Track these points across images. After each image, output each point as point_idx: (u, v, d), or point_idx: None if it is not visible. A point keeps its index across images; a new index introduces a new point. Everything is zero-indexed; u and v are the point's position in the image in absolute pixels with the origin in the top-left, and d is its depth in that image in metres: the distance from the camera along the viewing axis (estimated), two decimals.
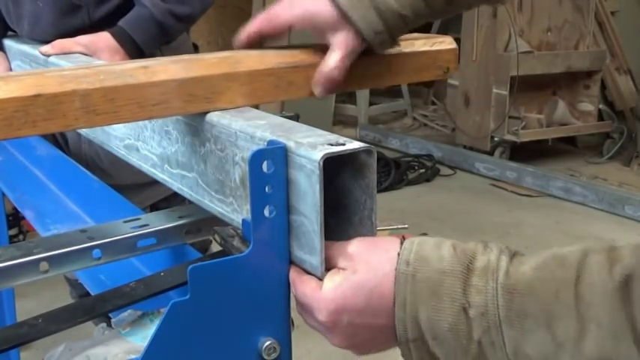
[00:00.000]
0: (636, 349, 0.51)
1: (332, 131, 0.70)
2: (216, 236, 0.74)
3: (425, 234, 0.66)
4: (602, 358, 0.52)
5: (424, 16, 0.82)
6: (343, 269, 0.63)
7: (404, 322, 0.60)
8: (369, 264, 0.62)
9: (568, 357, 0.54)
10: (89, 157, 1.63)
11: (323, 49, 0.83)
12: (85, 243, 0.83)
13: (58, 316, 0.77)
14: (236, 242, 0.71)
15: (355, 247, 0.64)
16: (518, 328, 0.55)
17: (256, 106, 0.83)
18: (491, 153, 4.33)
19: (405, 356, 0.62)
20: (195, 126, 0.80)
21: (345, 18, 0.79)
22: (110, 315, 0.85)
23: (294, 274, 0.67)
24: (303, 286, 0.66)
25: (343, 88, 0.85)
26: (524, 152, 4.32)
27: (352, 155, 0.65)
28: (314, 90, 0.82)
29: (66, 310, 0.79)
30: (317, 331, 0.66)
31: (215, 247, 1.02)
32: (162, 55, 1.50)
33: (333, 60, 0.80)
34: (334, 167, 0.66)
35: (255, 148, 0.67)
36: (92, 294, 0.92)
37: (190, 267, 0.64)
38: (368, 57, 0.85)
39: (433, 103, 5.80)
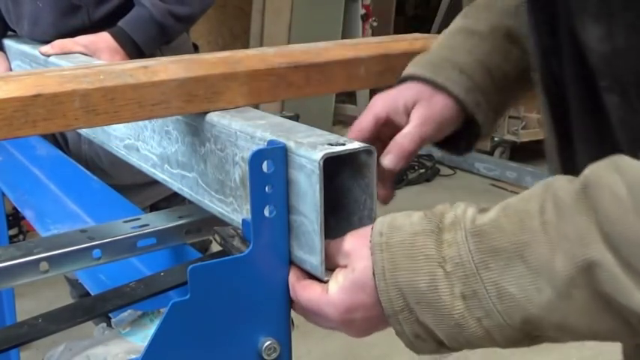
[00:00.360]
0: (606, 247, 0.50)
1: (332, 131, 0.70)
2: (216, 236, 0.74)
3: None
4: (577, 268, 0.51)
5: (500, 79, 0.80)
6: (344, 267, 0.64)
7: (387, 292, 0.60)
8: (365, 259, 0.62)
9: (545, 282, 0.53)
10: (89, 157, 1.63)
11: (323, 48, 0.83)
12: (85, 243, 0.84)
13: (58, 316, 0.77)
14: (236, 242, 0.71)
15: (350, 243, 0.64)
16: (494, 267, 0.55)
17: (256, 106, 0.83)
18: (491, 153, 4.33)
19: (399, 334, 0.61)
20: (196, 126, 0.80)
21: (432, 84, 0.77)
22: (110, 315, 0.85)
23: (293, 280, 0.67)
24: (307, 292, 0.66)
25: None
26: (524, 152, 4.32)
27: (352, 155, 0.65)
28: (382, 161, 0.75)
29: (66, 310, 0.79)
30: (332, 330, 0.66)
31: (215, 247, 1.02)
32: (162, 55, 1.50)
33: (407, 128, 0.77)
34: (334, 167, 0.66)
35: (255, 148, 0.67)
36: (92, 294, 0.92)
37: (190, 267, 0.64)
38: (369, 57, 0.85)
39: None
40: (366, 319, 0.63)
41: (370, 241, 0.61)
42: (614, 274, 0.50)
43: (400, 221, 0.61)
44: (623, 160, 0.52)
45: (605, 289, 0.51)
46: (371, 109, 0.78)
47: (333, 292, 0.63)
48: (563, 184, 0.55)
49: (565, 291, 0.52)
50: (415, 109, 0.77)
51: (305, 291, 0.66)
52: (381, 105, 0.77)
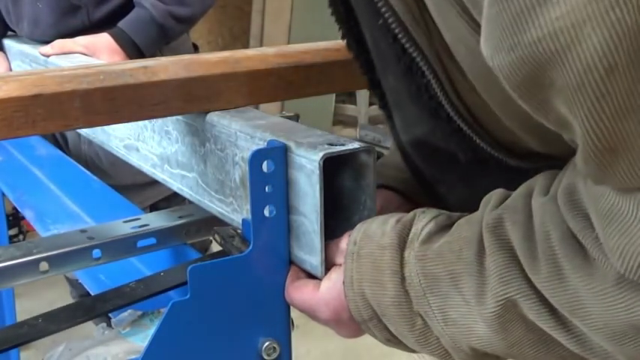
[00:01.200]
0: (526, 284, 0.50)
1: (332, 131, 0.70)
2: (217, 236, 0.74)
3: None
4: (501, 306, 0.51)
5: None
6: (339, 266, 0.64)
7: (355, 301, 0.60)
8: None
9: (478, 316, 0.53)
10: (89, 157, 1.63)
11: (323, 48, 0.83)
12: (85, 243, 0.84)
13: (57, 316, 0.77)
14: (236, 242, 0.71)
15: (346, 243, 0.64)
16: (437, 293, 0.55)
17: (256, 106, 0.83)
18: None
19: (372, 335, 0.62)
20: (195, 126, 0.80)
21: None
22: (110, 315, 0.85)
23: (287, 282, 0.67)
24: (300, 293, 0.66)
25: (343, 89, 0.84)
26: None
27: (352, 155, 0.65)
28: None
29: (66, 310, 0.79)
30: (332, 330, 0.67)
31: (215, 247, 1.02)
32: (162, 55, 1.50)
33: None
34: (334, 167, 0.66)
35: (255, 147, 0.67)
36: (92, 294, 0.92)
37: (190, 267, 0.64)
38: None
39: None
40: (353, 319, 0.63)
41: (345, 250, 0.62)
42: (538, 311, 0.49)
43: (374, 229, 0.61)
44: (535, 201, 0.51)
45: (536, 324, 0.50)
46: None
47: (324, 290, 0.63)
48: (493, 209, 0.54)
49: (498, 327, 0.52)
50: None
51: (297, 292, 0.66)
52: None
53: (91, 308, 0.79)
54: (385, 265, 0.58)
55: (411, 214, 0.60)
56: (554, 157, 0.55)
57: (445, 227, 0.57)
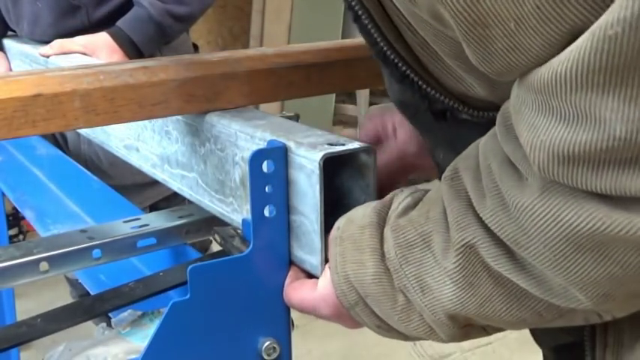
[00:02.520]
0: (480, 228, 0.49)
1: (332, 131, 0.70)
2: (217, 236, 0.74)
3: None
4: (461, 255, 0.51)
5: None
6: None
7: (340, 286, 0.60)
8: None
9: (444, 272, 0.52)
10: (88, 157, 1.63)
11: (323, 48, 0.83)
12: (85, 243, 0.83)
13: (57, 315, 0.77)
14: (236, 242, 0.71)
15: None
16: (412, 261, 0.55)
17: (256, 106, 0.83)
18: None
19: (363, 324, 0.62)
20: (195, 126, 0.80)
21: None
22: (110, 315, 0.85)
23: (286, 284, 0.67)
24: (298, 293, 0.66)
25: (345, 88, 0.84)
26: None
27: (352, 155, 0.65)
28: None
29: (65, 310, 0.79)
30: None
31: (215, 247, 1.02)
32: (162, 54, 1.51)
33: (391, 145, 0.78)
34: (334, 167, 0.66)
35: (255, 148, 0.67)
36: (92, 294, 0.92)
37: (190, 267, 0.64)
38: (369, 57, 0.85)
39: None
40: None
41: (329, 237, 0.62)
42: (495, 254, 0.49)
43: (356, 213, 0.61)
44: (481, 142, 0.51)
45: (498, 272, 0.50)
46: (363, 129, 0.79)
47: (321, 287, 0.63)
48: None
49: (463, 281, 0.51)
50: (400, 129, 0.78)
51: (296, 293, 0.66)
52: (372, 127, 0.79)
53: (91, 308, 0.79)
54: (365, 244, 0.58)
55: (391, 194, 0.60)
56: None
57: (421, 200, 0.58)
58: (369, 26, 0.56)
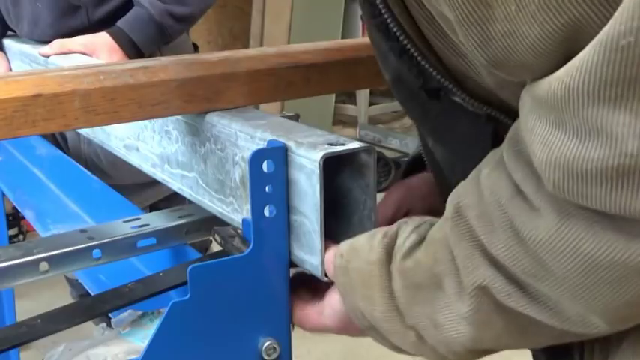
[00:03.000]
0: (491, 268, 0.49)
1: (332, 131, 0.70)
2: (216, 236, 0.74)
3: None
4: (474, 298, 0.51)
5: None
6: (333, 288, 0.65)
7: (354, 312, 0.61)
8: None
9: (459, 314, 0.52)
10: (88, 157, 1.63)
11: (323, 48, 0.84)
12: (85, 243, 0.83)
13: (56, 316, 0.77)
14: (236, 242, 0.71)
15: (333, 254, 0.64)
16: (422, 301, 0.55)
17: (256, 106, 0.83)
18: None
19: (378, 342, 0.62)
20: (196, 126, 0.80)
21: None
22: (110, 315, 0.85)
23: (293, 307, 0.69)
24: (307, 322, 0.68)
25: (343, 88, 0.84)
26: None
27: (352, 155, 0.65)
28: None
29: (64, 311, 0.78)
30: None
31: (215, 247, 1.02)
32: (162, 54, 1.50)
33: None
34: (334, 167, 0.66)
35: (255, 148, 0.67)
36: (92, 294, 0.92)
37: (190, 267, 0.64)
38: (368, 57, 0.85)
39: None
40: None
41: (333, 262, 0.62)
42: (507, 292, 0.49)
43: (361, 242, 0.61)
44: (482, 176, 0.51)
45: (511, 308, 0.50)
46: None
47: (327, 316, 0.65)
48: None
49: (479, 322, 0.52)
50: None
51: (305, 320, 0.68)
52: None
53: (90, 308, 0.79)
54: (374, 281, 0.58)
55: (396, 226, 0.60)
56: (505, 104, 0.54)
57: (425, 237, 0.57)
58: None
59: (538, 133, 0.42)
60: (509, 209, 0.47)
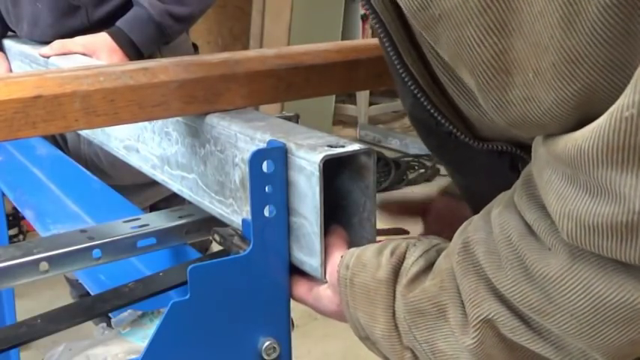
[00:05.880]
0: (496, 302, 0.51)
1: (332, 131, 0.70)
2: (216, 236, 0.74)
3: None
4: (478, 330, 0.52)
5: None
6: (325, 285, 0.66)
7: (353, 322, 0.62)
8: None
9: (462, 345, 0.54)
10: (88, 157, 1.63)
11: (323, 50, 0.84)
12: (85, 243, 0.83)
13: (56, 316, 0.77)
14: (236, 240, 0.71)
15: (338, 256, 0.65)
16: (422, 327, 0.57)
17: (256, 107, 0.83)
18: None
19: (371, 351, 0.64)
20: (195, 127, 0.80)
21: None
22: (110, 315, 0.85)
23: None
24: (298, 291, 0.68)
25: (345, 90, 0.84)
26: None
27: (352, 157, 0.65)
28: None
29: (64, 311, 0.79)
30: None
31: (215, 248, 1.02)
32: (161, 54, 1.50)
33: None
34: (334, 169, 0.66)
35: (255, 149, 0.67)
36: (92, 294, 0.92)
37: (190, 267, 0.64)
38: (368, 59, 0.85)
39: None
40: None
41: (337, 271, 0.63)
42: (512, 326, 0.51)
43: (368, 257, 0.62)
44: (493, 215, 0.53)
45: (515, 342, 0.51)
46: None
47: (324, 304, 0.66)
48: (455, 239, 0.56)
49: (482, 354, 0.53)
50: None
51: (296, 290, 0.69)
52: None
53: (90, 308, 0.79)
54: (379, 299, 0.59)
55: (404, 245, 0.61)
56: (515, 139, 0.57)
57: (427, 270, 0.59)
58: (386, 44, 0.58)
59: (554, 185, 0.45)
60: (520, 246, 0.49)
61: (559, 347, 0.49)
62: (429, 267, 0.58)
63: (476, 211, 0.57)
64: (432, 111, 0.59)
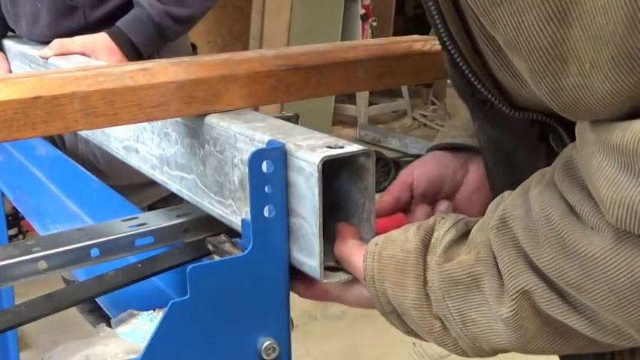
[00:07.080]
0: (534, 275, 0.52)
1: (332, 131, 0.70)
2: (209, 245, 0.74)
3: None
4: (515, 301, 0.53)
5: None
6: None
7: (377, 297, 0.63)
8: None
9: (496, 314, 0.55)
10: (85, 157, 1.63)
11: (323, 50, 0.84)
12: (83, 242, 0.84)
13: (40, 303, 0.77)
14: (227, 247, 0.71)
15: (356, 242, 0.66)
16: (455, 296, 0.58)
17: (256, 108, 0.83)
18: None
19: (393, 325, 0.64)
20: (195, 128, 0.80)
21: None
22: (109, 315, 0.85)
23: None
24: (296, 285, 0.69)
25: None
26: None
27: (351, 158, 0.65)
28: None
29: (48, 298, 0.79)
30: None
31: None
32: (160, 54, 1.50)
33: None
34: (333, 169, 0.66)
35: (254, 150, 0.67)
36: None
37: (190, 267, 0.64)
38: (368, 59, 0.85)
39: (433, 103, 5.80)
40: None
41: (365, 249, 0.64)
42: (548, 299, 0.52)
43: (396, 235, 0.63)
44: (533, 194, 0.54)
45: (550, 315, 0.53)
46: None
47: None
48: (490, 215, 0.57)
49: (515, 325, 0.54)
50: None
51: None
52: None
53: (73, 295, 0.79)
54: (409, 268, 0.60)
55: (432, 220, 0.62)
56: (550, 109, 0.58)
57: (464, 235, 0.60)
58: (434, 12, 0.58)
59: (605, 172, 0.46)
60: (561, 225, 0.50)
61: (594, 321, 0.51)
62: (460, 237, 0.60)
63: (493, 171, 0.58)
64: (472, 79, 0.60)
